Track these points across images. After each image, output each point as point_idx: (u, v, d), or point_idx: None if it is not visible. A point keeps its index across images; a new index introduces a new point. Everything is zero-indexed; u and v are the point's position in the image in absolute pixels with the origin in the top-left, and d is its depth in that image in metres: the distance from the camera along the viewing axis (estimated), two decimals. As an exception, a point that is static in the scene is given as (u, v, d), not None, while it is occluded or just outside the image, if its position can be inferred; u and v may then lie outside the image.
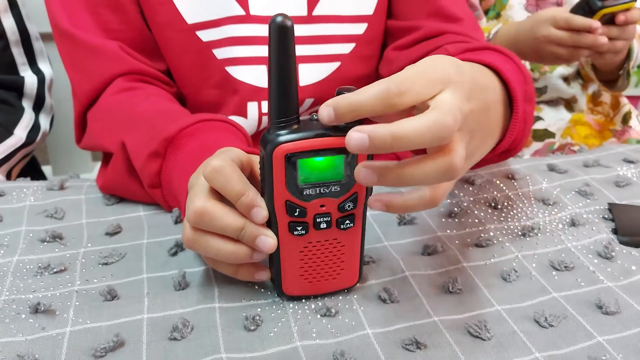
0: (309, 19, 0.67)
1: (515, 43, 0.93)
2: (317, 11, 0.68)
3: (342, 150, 0.40)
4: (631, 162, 0.70)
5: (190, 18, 0.65)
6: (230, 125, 0.59)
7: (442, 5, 0.69)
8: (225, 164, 0.42)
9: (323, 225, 0.43)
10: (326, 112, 0.38)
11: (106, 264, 0.51)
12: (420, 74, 0.38)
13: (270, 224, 0.43)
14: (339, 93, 0.40)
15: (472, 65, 0.46)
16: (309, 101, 0.71)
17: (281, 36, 0.37)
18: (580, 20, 0.84)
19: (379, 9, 0.71)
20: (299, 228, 0.43)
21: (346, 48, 0.70)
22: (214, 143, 0.53)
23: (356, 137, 0.36)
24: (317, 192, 0.42)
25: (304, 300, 0.46)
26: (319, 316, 0.45)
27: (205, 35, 0.66)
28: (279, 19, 0.37)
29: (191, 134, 0.55)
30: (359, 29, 0.70)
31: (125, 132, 0.58)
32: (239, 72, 0.67)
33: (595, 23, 0.83)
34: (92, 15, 0.64)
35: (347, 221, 0.43)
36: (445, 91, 0.38)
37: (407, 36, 0.71)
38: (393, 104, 0.36)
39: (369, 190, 0.43)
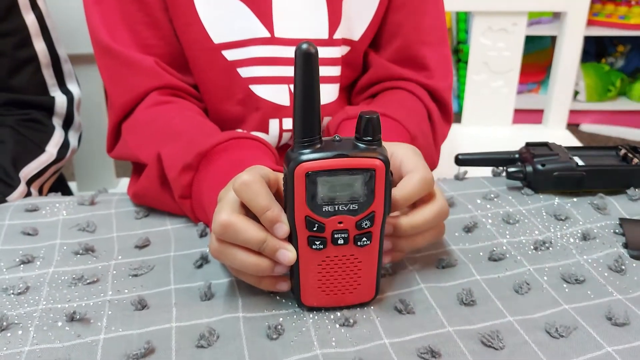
0: (330, 42, 0.71)
1: None
2: (337, 35, 0.71)
3: (360, 171, 0.43)
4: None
5: (217, 38, 0.69)
6: (261, 144, 0.62)
7: (414, 54, 0.76)
8: (255, 179, 0.45)
9: (340, 241, 0.45)
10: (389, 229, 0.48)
11: (136, 275, 0.54)
12: (420, 158, 0.51)
13: (291, 237, 0.46)
14: (361, 117, 0.43)
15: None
16: (327, 119, 0.74)
17: (306, 62, 0.40)
18: None
19: (364, 37, 0.74)
20: (317, 242, 0.45)
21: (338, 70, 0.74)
22: (245, 160, 0.56)
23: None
24: (336, 209, 0.44)
25: (323, 311, 0.48)
26: (337, 326, 0.47)
27: (230, 55, 0.69)
28: (305, 46, 0.40)
29: (224, 150, 0.59)
30: (343, 51, 0.73)
31: (162, 144, 0.62)
32: (261, 91, 0.70)
33: None
34: (130, 31, 0.68)
35: (364, 238, 0.46)
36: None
37: (364, 75, 0.78)
38: (431, 187, 0.49)
39: (386, 210, 0.45)
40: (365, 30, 0.74)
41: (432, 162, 0.75)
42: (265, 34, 0.68)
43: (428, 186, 0.48)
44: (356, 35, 0.74)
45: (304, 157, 0.42)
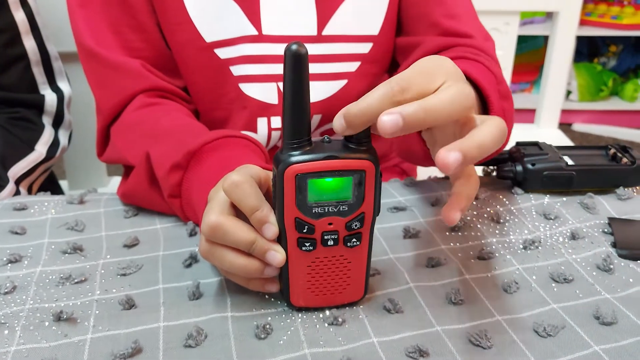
0: (319, 38, 0.70)
1: None
2: (327, 31, 0.71)
3: (350, 172, 0.42)
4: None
5: (209, 37, 0.69)
6: (250, 143, 0.62)
7: (448, 26, 0.71)
8: (244, 179, 0.44)
9: (330, 243, 0.45)
10: (338, 122, 0.40)
11: (124, 274, 0.53)
12: (420, 70, 0.40)
13: (281, 238, 0.45)
14: None
15: None
16: (317, 117, 0.74)
17: (296, 63, 0.39)
18: None
19: (385, 29, 0.73)
20: (307, 244, 0.45)
21: (352, 66, 0.73)
22: (235, 159, 0.55)
23: (389, 119, 0.36)
24: (326, 210, 0.44)
25: (312, 310, 0.48)
26: (326, 325, 0.47)
27: (222, 53, 0.69)
28: (294, 47, 0.39)
29: (213, 149, 0.58)
30: (364, 48, 0.73)
31: (150, 144, 0.61)
32: (250, 89, 0.70)
33: None
34: (115, 34, 0.68)
35: (354, 239, 0.45)
36: (448, 82, 0.40)
37: (414, 52, 0.73)
38: (398, 101, 0.38)
39: (376, 211, 0.45)
40: (382, 23, 0.73)
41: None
42: (253, 31, 0.68)
43: (466, 104, 0.39)
44: (375, 30, 0.73)
45: (294, 158, 0.42)
